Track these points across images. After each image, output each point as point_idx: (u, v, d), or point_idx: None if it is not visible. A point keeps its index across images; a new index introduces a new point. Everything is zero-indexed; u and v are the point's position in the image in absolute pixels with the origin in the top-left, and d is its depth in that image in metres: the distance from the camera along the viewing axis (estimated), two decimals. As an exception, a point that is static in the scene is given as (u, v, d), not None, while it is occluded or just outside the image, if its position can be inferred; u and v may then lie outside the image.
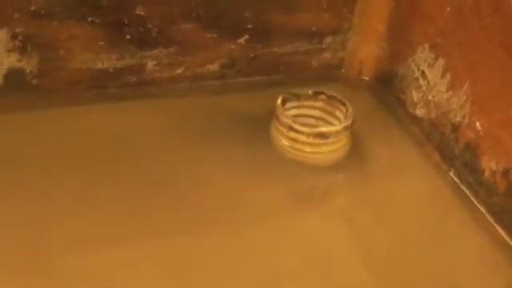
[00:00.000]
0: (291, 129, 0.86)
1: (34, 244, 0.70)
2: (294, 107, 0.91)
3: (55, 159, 0.80)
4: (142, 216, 0.75)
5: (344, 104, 0.89)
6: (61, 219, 0.73)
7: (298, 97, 0.91)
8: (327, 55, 1.01)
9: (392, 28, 0.96)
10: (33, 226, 0.72)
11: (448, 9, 0.85)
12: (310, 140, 0.85)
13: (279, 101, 0.88)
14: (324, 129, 0.86)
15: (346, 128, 0.87)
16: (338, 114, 0.89)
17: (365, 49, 1.00)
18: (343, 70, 1.03)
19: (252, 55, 0.96)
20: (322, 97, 0.90)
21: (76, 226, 0.73)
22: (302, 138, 0.85)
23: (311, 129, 0.86)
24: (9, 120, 0.83)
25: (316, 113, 0.91)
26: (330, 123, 0.89)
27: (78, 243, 0.71)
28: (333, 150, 0.87)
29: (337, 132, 0.86)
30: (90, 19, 0.84)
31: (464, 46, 0.83)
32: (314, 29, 0.97)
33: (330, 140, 0.85)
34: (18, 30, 0.82)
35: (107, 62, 0.88)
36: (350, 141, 0.89)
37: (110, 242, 0.72)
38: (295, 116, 0.90)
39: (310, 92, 0.91)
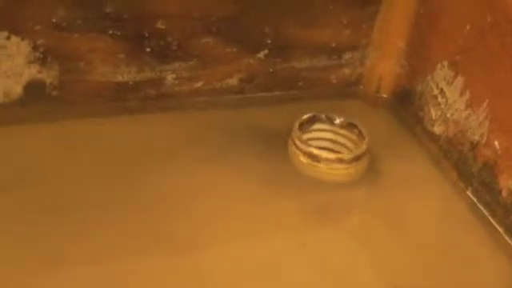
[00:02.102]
0: (294, 143, 0.87)
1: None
2: (330, 131, 0.91)
3: (72, 171, 0.81)
4: (156, 228, 0.76)
5: (364, 139, 0.88)
6: (73, 232, 0.74)
7: (331, 121, 0.91)
8: (346, 71, 1.01)
9: (411, 45, 0.96)
10: (43, 239, 0.73)
11: (468, 27, 0.85)
12: (305, 158, 0.86)
13: (305, 117, 0.89)
14: (315, 151, 0.86)
15: (340, 160, 0.86)
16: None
17: (384, 65, 1.00)
18: (361, 87, 1.03)
19: (271, 70, 0.96)
20: (356, 131, 0.90)
21: (86, 239, 0.73)
22: (299, 153, 0.86)
23: (305, 147, 0.86)
24: (28, 131, 0.84)
25: (350, 145, 0.91)
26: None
27: (90, 256, 0.72)
28: (350, 171, 0.87)
29: (328, 160, 0.85)
30: (110, 32, 0.85)
31: (484, 63, 0.83)
32: (333, 44, 0.97)
33: (321, 164, 0.85)
34: (39, 42, 0.82)
35: (127, 74, 0.89)
36: (367, 162, 0.89)
37: (123, 254, 0.73)
38: (333, 141, 0.91)
39: (343, 120, 0.91)
